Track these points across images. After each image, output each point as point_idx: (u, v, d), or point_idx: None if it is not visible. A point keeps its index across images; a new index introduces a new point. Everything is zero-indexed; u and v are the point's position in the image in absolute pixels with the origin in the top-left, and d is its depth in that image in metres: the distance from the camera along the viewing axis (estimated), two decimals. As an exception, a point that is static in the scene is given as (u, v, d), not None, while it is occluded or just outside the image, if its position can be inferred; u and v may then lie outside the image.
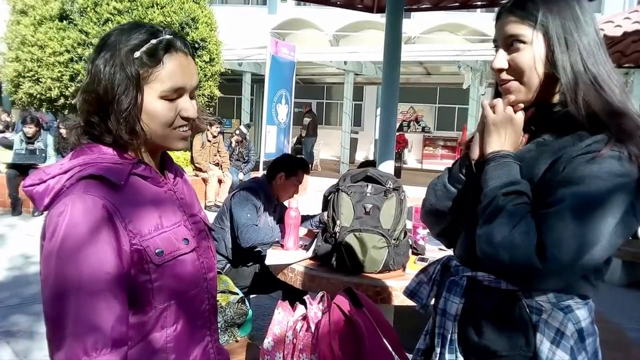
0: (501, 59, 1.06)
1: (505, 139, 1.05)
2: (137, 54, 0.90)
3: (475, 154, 1.11)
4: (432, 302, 1.26)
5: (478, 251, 1.00)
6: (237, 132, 8.51)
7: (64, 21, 7.54)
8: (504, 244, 0.93)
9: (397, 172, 10.24)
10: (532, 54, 1.02)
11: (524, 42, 1.03)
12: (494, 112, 1.06)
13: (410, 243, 2.40)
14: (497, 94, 1.14)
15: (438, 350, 1.15)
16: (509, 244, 0.93)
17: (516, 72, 1.05)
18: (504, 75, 1.07)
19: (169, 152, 1.07)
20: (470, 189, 1.12)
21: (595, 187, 0.90)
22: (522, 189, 0.98)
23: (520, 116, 1.06)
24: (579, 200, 0.90)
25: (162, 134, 0.95)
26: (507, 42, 1.05)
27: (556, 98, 1.05)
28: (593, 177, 0.90)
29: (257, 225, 2.82)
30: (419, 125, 16.55)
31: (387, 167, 2.85)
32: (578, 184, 0.91)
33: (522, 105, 1.06)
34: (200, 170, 7.83)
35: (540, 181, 0.99)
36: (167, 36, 0.93)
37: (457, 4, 3.39)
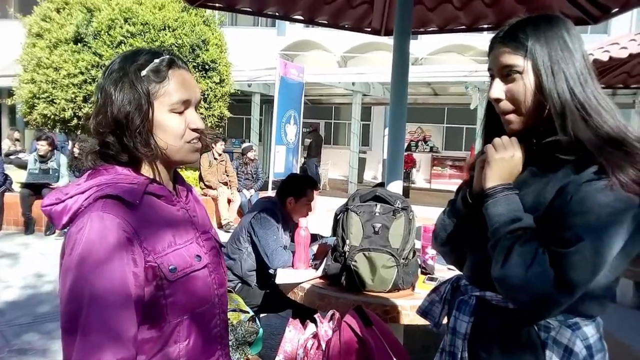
0: (498, 90, 1.09)
1: (504, 175, 1.08)
2: (144, 73, 0.97)
3: (475, 187, 1.14)
4: (445, 320, 1.29)
5: (498, 290, 1.03)
6: (254, 147, 8.63)
7: (79, 44, 7.71)
8: (522, 287, 0.96)
9: (406, 192, 10.24)
10: (525, 84, 1.05)
11: (518, 72, 1.06)
12: (495, 150, 1.09)
13: (419, 262, 2.42)
14: (490, 117, 1.18)
15: None
16: (527, 287, 0.96)
17: (513, 101, 1.08)
18: (503, 105, 1.10)
19: (179, 171, 1.12)
20: (471, 216, 1.16)
21: (605, 216, 0.93)
22: (525, 225, 1.01)
23: (519, 155, 1.08)
24: (594, 235, 0.93)
25: (175, 147, 1.00)
26: (503, 72, 1.08)
27: (545, 126, 1.06)
28: (602, 207, 0.93)
29: (285, 247, 2.84)
30: (427, 145, 16.59)
31: (396, 187, 2.88)
32: (589, 216, 0.93)
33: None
34: (210, 188, 7.89)
35: (548, 209, 1.01)
36: (168, 56, 1.01)
37: (463, 26, 3.46)
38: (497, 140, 1.10)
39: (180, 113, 1.00)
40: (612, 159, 0.95)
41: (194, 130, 1.02)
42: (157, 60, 0.99)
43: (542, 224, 1.01)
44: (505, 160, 1.08)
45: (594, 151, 0.97)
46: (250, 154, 8.49)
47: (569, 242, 0.94)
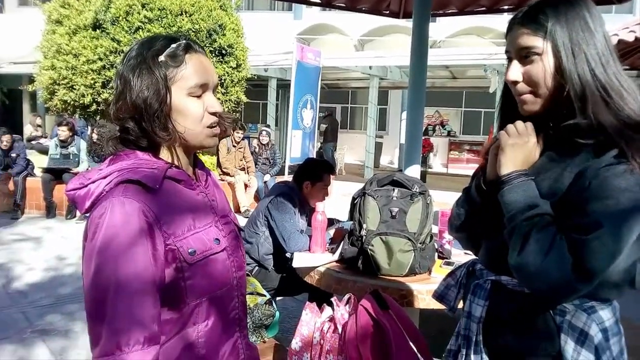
0: (515, 71, 1.07)
1: (519, 161, 1.06)
2: (161, 58, 0.98)
3: (490, 174, 1.13)
4: (461, 304, 1.29)
5: (515, 276, 1.03)
6: (264, 132, 8.57)
7: (97, 30, 7.75)
8: (540, 274, 0.95)
9: (423, 176, 10.18)
10: (544, 66, 1.03)
11: (537, 54, 1.03)
12: (509, 136, 1.07)
13: (436, 247, 2.41)
14: (506, 101, 1.16)
15: (464, 351, 1.18)
16: (544, 274, 0.94)
17: (531, 83, 1.06)
18: (520, 87, 1.07)
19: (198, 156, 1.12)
20: (486, 203, 1.15)
21: (626, 201, 0.91)
22: (542, 211, 0.99)
23: (534, 140, 1.07)
24: (614, 221, 0.91)
25: (195, 132, 1.01)
26: (521, 54, 1.06)
27: (565, 109, 1.04)
28: (622, 191, 0.91)
29: (302, 231, 2.85)
30: (444, 129, 16.42)
31: (414, 171, 2.86)
32: (609, 202, 0.91)
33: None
34: (227, 174, 7.94)
35: (565, 194, 0.99)
36: (184, 41, 1.02)
37: (483, 8, 3.39)
38: (510, 126, 1.08)
39: (199, 97, 1.01)
40: (633, 143, 0.93)
41: (213, 114, 1.02)
42: (173, 45, 0.99)
43: (559, 209, 0.99)
44: (519, 145, 1.06)
45: (614, 134, 0.95)
46: (262, 138, 8.44)
47: (588, 228, 0.92)
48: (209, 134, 1.03)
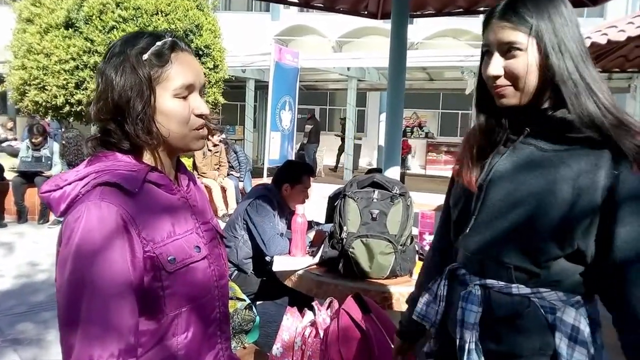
0: (497, 66, 1.05)
1: None
2: (145, 56, 0.92)
3: None
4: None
5: None
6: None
7: (70, 29, 7.57)
8: None
9: (401, 178, 10.21)
10: (528, 60, 1.02)
11: (519, 49, 1.02)
12: None
13: (417, 249, 2.40)
14: (482, 94, 1.14)
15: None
16: None
17: (512, 78, 1.04)
18: (501, 81, 1.06)
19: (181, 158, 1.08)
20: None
21: None
22: None
23: None
24: None
25: (180, 134, 0.96)
26: (503, 49, 1.04)
27: (547, 103, 1.05)
28: None
29: (282, 234, 2.82)
30: (422, 130, 16.56)
31: (393, 173, 2.85)
32: None
33: None
34: (203, 175, 7.80)
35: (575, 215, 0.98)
36: (170, 38, 0.97)
37: (460, 9, 3.41)
38: None
39: (184, 98, 0.96)
40: (626, 139, 0.94)
41: (199, 116, 0.97)
42: (159, 43, 0.94)
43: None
44: None
45: (609, 129, 0.96)
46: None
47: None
48: (196, 136, 0.98)
